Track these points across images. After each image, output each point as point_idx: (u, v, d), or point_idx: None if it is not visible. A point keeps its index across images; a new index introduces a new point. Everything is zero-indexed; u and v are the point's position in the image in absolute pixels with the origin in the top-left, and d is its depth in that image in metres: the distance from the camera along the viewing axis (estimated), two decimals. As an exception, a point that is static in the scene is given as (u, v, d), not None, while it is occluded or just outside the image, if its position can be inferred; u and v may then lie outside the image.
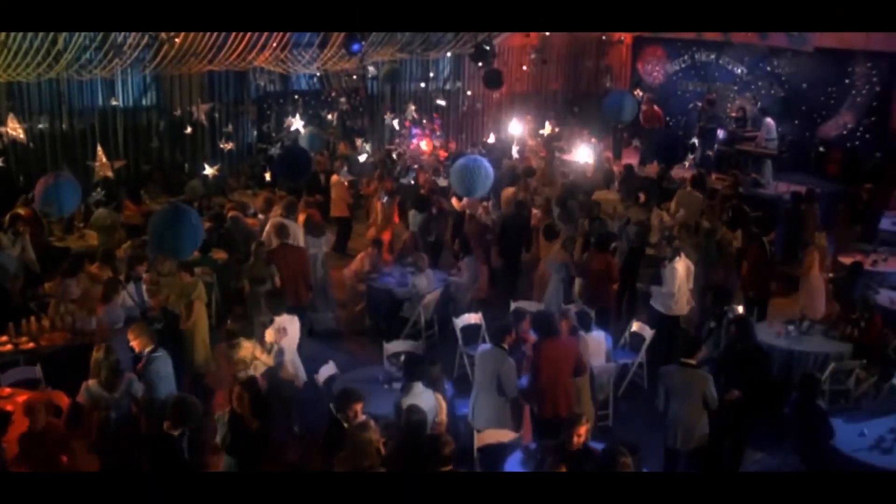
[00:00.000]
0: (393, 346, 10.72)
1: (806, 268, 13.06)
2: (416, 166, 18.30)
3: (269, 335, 9.81)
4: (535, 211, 15.14)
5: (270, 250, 12.45)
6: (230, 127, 18.10)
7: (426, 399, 8.20)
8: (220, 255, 13.78)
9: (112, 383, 8.62)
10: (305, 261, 12.55)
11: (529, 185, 16.77)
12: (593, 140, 21.19)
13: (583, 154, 19.57)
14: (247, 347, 9.48)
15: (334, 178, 16.92)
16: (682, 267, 12.03)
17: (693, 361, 8.86)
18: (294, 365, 10.04)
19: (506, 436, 8.72)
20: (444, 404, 8.44)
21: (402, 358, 9.97)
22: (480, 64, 17.59)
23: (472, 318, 11.96)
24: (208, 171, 15.72)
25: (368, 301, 13.28)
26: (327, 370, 10.05)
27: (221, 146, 17.60)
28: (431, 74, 22.22)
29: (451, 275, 13.56)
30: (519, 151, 19.85)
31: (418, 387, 8.29)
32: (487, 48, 16.41)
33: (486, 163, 11.28)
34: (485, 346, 9.78)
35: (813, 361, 10.89)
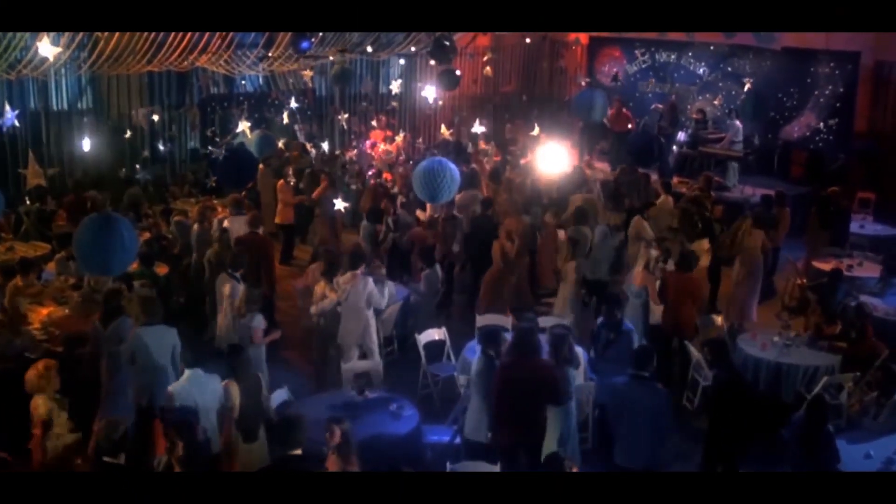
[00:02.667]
0: (351, 368, 9.81)
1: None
2: (371, 171, 17.49)
3: (345, 279, 10.57)
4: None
5: (238, 238, 12.30)
6: (173, 129, 17.04)
7: (202, 384, 8.03)
8: (161, 268, 12.73)
9: (106, 321, 9.29)
10: (272, 253, 12.48)
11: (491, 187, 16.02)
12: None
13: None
14: (321, 285, 10.75)
15: (280, 182, 15.98)
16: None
17: (646, 374, 8.12)
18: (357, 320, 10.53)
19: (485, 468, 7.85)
20: (235, 391, 8.04)
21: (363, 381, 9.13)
22: (440, 62, 16.72)
23: (436, 333, 11.05)
24: (140, 174, 14.68)
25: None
26: (280, 396, 9.09)
27: (160, 147, 16.55)
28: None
29: (413, 285, 12.70)
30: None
31: (197, 373, 8.09)
32: (448, 43, 15.53)
33: (451, 165, 10.36)
34: (478, 355, 8.76)
35: (802, 375, 10.23)
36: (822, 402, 8.09)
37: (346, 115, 19.68)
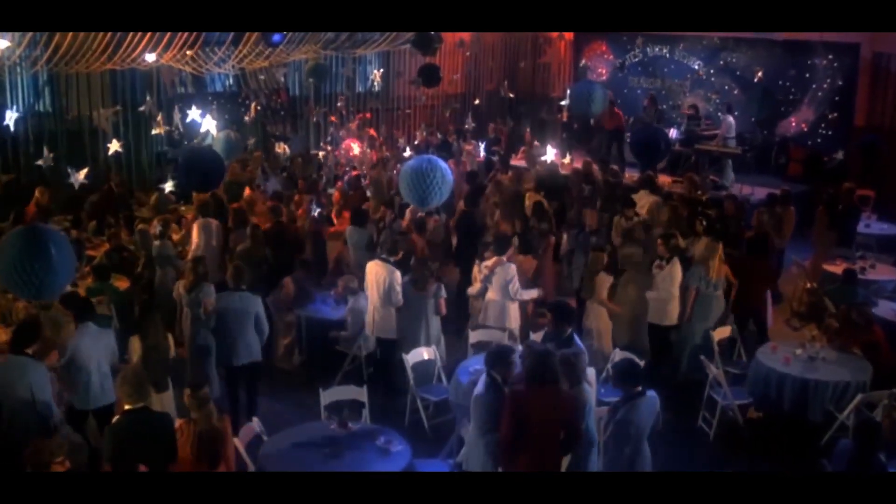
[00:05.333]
0: (331, 394, 8.70)
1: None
2: (351, 172, 16.45)
3: (489, 263, 10.72)
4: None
5: (266, 230, 12.12)
6: (122, 135, 15.91)
7: (94, 337, 8.31)
8: (121, 282, 11.60)
9: (191, 286, 9.91)
10: (302, 240, 12.60)
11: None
12: (536, 143, 19.73)
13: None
14: (476, 268, 11.13)
15: (247, 190, 14.80)
16: (678, 270, 10.62)
17: (640, 388, 7.39)
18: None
19: None
20: (136, 346, 8.86)
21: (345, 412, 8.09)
22: (424, 53, 15.65)
23: (425, 352, 9.97)
24: (72, 176, 13.54)
25: (298, 333, 11.30)
26: (250, 430, 8.01)
27: (111, 147, 15.33)
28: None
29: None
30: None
31: (89, 327, 8.39)
32: (432, 33, 14.49)
33: (442, 164, 9.26)
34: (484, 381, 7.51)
35: (832, 392, 9.24)
36: (872, 425, 7.09)
37: (325, 110, 18.66)
